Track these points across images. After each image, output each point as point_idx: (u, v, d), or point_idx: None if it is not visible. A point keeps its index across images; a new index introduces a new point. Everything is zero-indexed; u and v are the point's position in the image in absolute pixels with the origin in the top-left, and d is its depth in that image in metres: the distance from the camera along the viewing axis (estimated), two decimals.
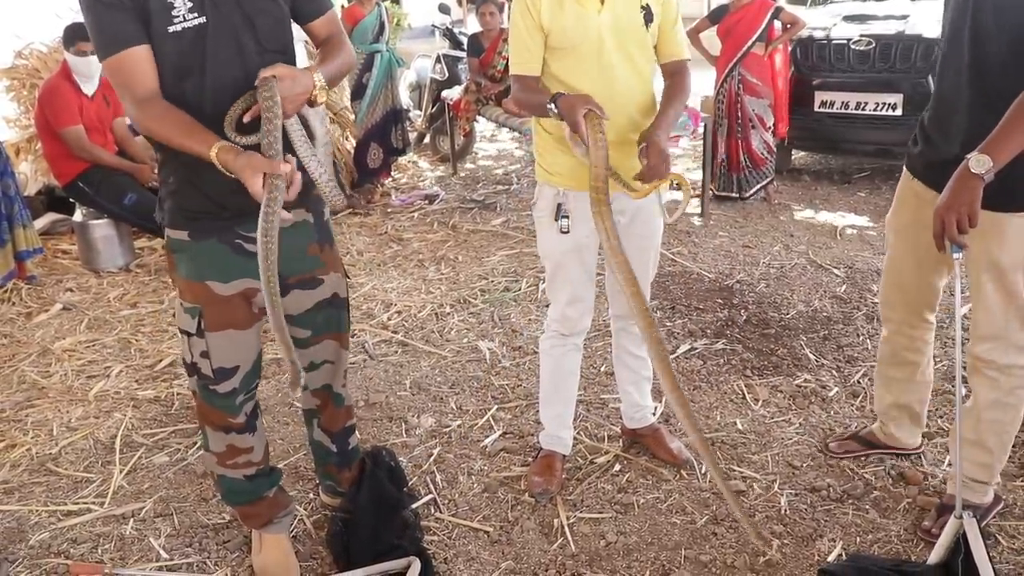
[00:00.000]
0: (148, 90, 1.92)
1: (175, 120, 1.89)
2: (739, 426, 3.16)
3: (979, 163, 2.02)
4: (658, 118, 2.43)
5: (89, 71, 5.03)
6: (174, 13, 1.91)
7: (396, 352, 3.91)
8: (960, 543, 2.16)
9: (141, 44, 1.90)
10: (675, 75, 2.56)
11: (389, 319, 4.27)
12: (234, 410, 2.30)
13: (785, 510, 2.67)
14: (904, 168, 2.58)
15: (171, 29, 1.92)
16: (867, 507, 2.67)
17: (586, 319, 2.77)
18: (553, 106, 2.33)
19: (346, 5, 6.58)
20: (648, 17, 2.47)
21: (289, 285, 2.25)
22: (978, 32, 2.20)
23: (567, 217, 2.53)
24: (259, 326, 2.28)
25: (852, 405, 3.28)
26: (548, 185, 2.60)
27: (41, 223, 5.92)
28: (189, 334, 2.19)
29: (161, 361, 3.91)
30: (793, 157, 7.11)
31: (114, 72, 1.93)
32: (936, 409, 3.17)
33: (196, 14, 1.94)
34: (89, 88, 5.08)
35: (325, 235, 2.34)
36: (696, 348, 3.80)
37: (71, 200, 5.47)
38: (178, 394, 3.59)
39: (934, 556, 2.22)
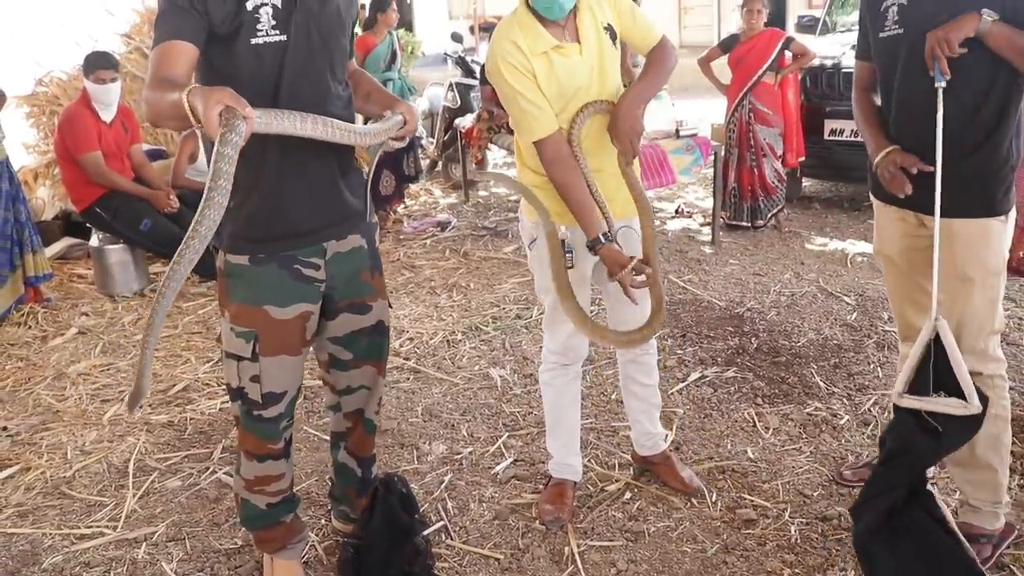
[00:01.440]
0: (171, 75, 1.94)
1: (167, 88, 1.89)
2: (750, 454, 3.16)
3: (989, 13, 2.17)
4: (625, 91, 2.45)
5: (108, 99, 5.11)
6: (258, 27, 2.02)
7: (408, 379, 3.93)
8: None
9: (190, 42, 1.97)
10: (653, 51, 2.57)
11: (401, 346, 4.30)
12: (276, 436, 2.33)
13: (796, 539, 2.67)
14: (873, 197, 2.64)
15: (253, 41, 2.02)
16: None
17: (585, 346, 2.81)
18: (600, 243, 2.44)
19: (359, 34, 6.66)
20: (612, 34, 2.51)
21: (339, 308, 2.32)
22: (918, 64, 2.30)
23: (571, 252, 2.55)
24: (306, 352, 2.33)
25: (863, 433, 3.28)
26: (543, 222, 2.60)
27: (57, 247, 6.01)
28: (240, 358, 2.21)
29: (175, 386, 3.94)
30: (803, 185, 7.13)
31: (156, 57, 1.98)
32: None
33: (279, 32, 2.04)
34: (108, 115, 5.16)
35: (376, 262, 2.40)
36: (707, 376, 3.81)
37: (88, 225, 5.53)
38: (191, 419, 3.62)
39: (911, 359, 2.31)
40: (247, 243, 2.14)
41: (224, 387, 3.84)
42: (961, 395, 2.21)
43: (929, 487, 2.34)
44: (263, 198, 2.11)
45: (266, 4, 2.03)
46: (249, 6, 2.01)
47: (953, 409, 2.22)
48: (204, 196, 1.75)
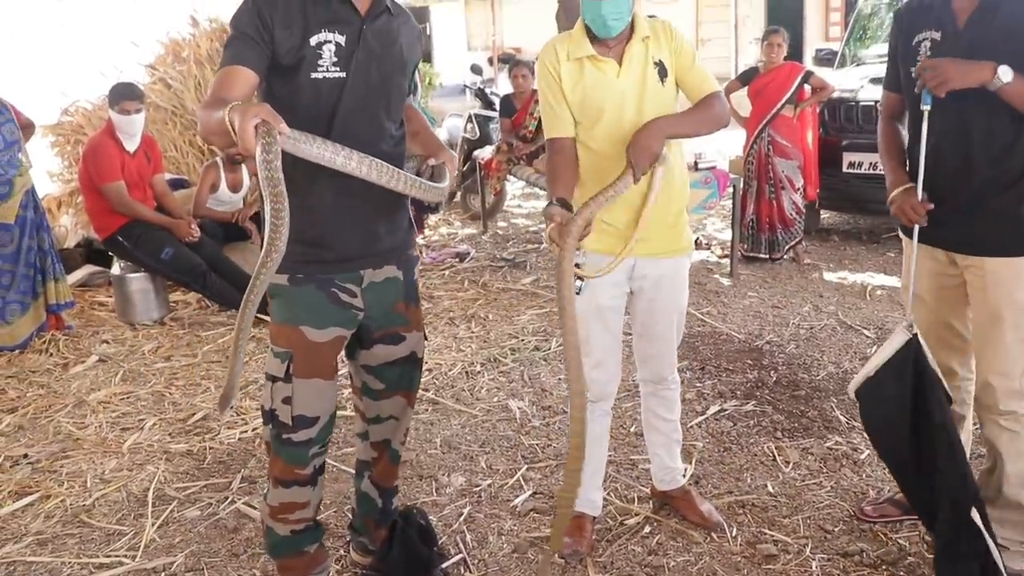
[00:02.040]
0: (227, 96, 2.00)
1: (219, 106, 1.94)
2: (770, 489, 3.14)
3: (1005, 72, 2.17)
4: (666, 114, 2.47)
5: (132, 129, 5.18)
6: (320, 63, 2.11)
7: (427, 410, 3.93)
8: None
9: (251, 69, 2.06)
10: (704, 98, 2.57)
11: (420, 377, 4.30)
12: (304, 460, 2.34)
13: (817, 575, 2.64)
14: (902, 234, 2.64)
15: (313, 76, 2.11)
16: (901, 573, 2.64)
17: (612, 384, 2.79)
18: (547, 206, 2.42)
19: None
20: (662, 72, 2.53)
21: (374, 339, 2.36)
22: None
23: (581, 279, 2.56)
24: (338, 379, 2.37)
25: (884, 468, 3.23)
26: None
27: (79, 275, 6.06)
28: (275, 379, 2.25)
29: (194, 415, 3.96)
30: (822, 217, 7.12)
31: (217, 79, 2.08)
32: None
33: (339, 69, 2.13)
34: (131, 145, 5.22)
35: (412, 294, 2.43)
36: (726, 409, 3.79)
37: (109, 253, 5.59)
38: (210, 448, 3.63)
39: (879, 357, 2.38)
40: (288, 263, 2.17)
41: (243, 417, 3.88)
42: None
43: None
44: (308, 222, 2.15)
45: (330, 41, 2.12)
46: (313, 42, 2.10)
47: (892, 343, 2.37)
48: (268, 208, 1.83)
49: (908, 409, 2.38)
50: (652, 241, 2.58)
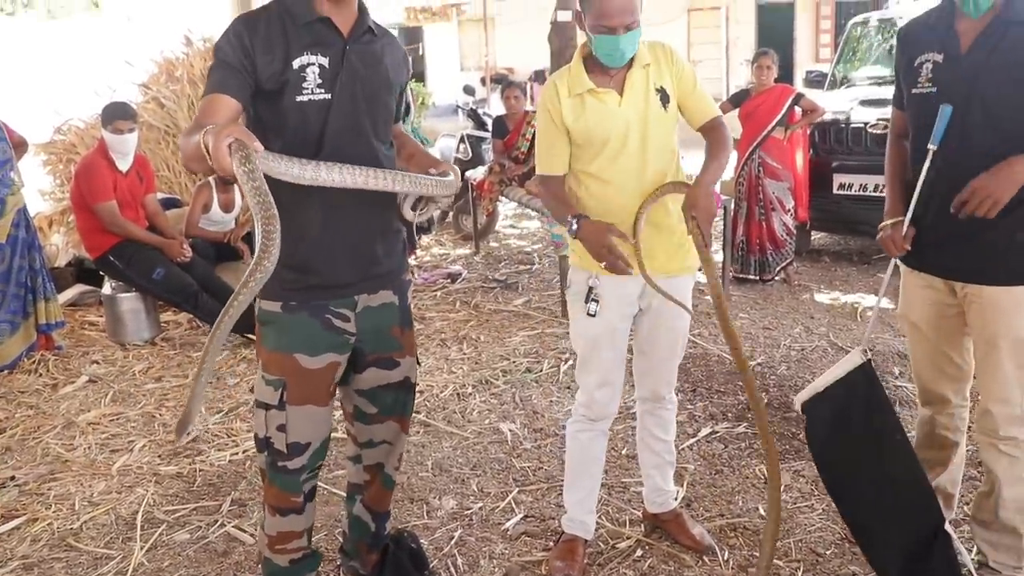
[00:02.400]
0: (208, 123, 1.97)
1: (192, 136, 1.94)
2: (762, 512, 3.13)
3: None
4: (700, 175, 2.48)
5: (125, 148, 5.17)
6: (304, 85, 2.11)
7: (418, 432, 3.92)
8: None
9: (233, 97, 2.06)
10: (711, 131, 2.61)
11: None
12: (297, 488, 2.32)
13: None
14: (900, 263, 2.63)
15: (298, 99, 2.10)
16: None
17: (613, 404, 2.79)
18: (575, 224, 2.44)
19: None
20: (664, 98, 2.54)
21: (368, 362, 2.34)
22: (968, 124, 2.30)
23: (596, 301, 2.57)
24: (332, 404, 2.35)
25: None
26: (581, 269, 2.65)
27: (69, 294, 6.04)
28: (268, 407, 2.23)
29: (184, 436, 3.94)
30: (812, 238, 7.16)
31: (200, 107, 2.09)
32: (962, 495, 3.13)
33: (324, 91, 2.13)
34: (124, 165, 5.22)
35: (406, 319, 2.42)
36: (717, 432, 3.79)
37: (100, 273, 5.57)
38: (200, 470, 3.60)
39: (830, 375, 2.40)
40: (280, 290, 2.18)
41: (234, 439, 3.86)
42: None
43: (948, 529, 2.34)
44: (300, 249, 2.14)
45: (313, 64, 2.12)
46: (296, 65, 2.10)
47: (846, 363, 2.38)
48: (259, 225, 1.79)
49: (859, 433, 2.41)
50: (660, 259, 2.60)
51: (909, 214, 2.42)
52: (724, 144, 2.56)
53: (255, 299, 2.21)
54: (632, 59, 2.50)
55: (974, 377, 2.56)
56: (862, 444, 2.43)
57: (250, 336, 5.09)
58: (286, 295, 2.19)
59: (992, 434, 2.42)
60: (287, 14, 2.14)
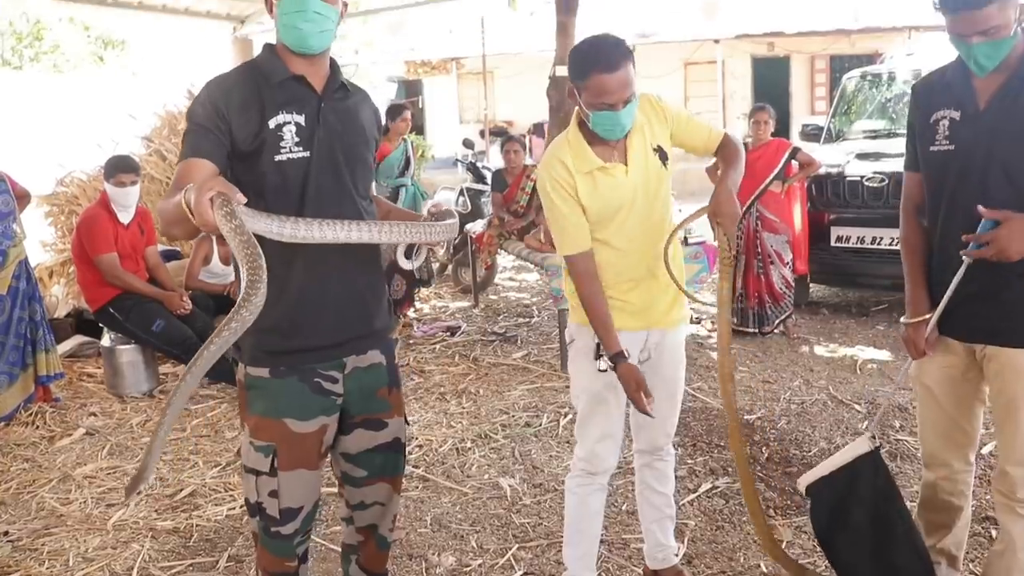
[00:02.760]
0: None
1: (170, 199, 1.96)
2: (763, 568, 3.10)
3: None
4: (719, 182, 2.50)
5: (127, 201, 5.22)
6: (282, 144, 2.10)
7: (417, 487, 3.89)
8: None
9: (209, 160, 2.05)
10: (722, 148, 2.63)
11: (410, 453, 4.26)
12: (291, 553, 2.29)
13: None
14: None
15: (276, 158, 2.10)
16: None
17: (613, 458, 2.78)
18: (613, 364, 2.51)
19: None
20: (663, 156, 2.57)
21: (355, 424, 2.31)
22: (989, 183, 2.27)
23: (604, 356, 2.57)
24: (323, 466, 2.32)
25: None
26: (583, 326, 2.65)
27: (68, 345, 6.03)
28: (259, 473, 2.20)
29: (181, 491, 3.90)
30: (811, 290, 7.17)
31: (177, 173, 2.08)
32: (968, 552, 3.10)
33: (302, 148, 2.12)
34: (126, 217, 5.25)
35: (394, 379, 2.40)
36: (718, 487, 3.76)
37: (100, 324, 5.58)
38: (197, 525, 3.57)
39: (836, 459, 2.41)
40: (268, 356, 2.16)
41: (231, 493, 3.83)
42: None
43: None
44: (286, 312, 2.14)
45: (289, 123, 2.12)
46: (272, 124, 2.10)
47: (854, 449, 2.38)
48: (245, 273, 1.77)
49: (863, 520, 2.40)
50: (657, 311, 2.63)
51: (935, 316, 2.35)
52: (736, 152, 2.59)
53: (241, 363, 2.21)
54: None
55: (983, 442, 2.54)
56: (866, 531, 2.41)
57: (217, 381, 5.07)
58: (273, 360, 2.17)
59: (1010, 495, 2.37)
60: (259, 74, 2.15)
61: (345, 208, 2.17)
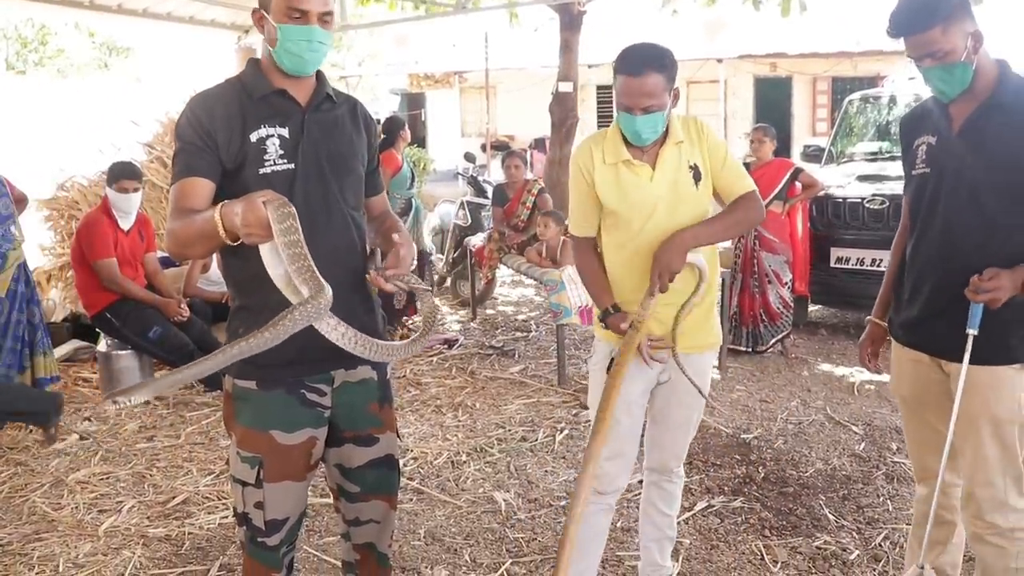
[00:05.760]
0: (193, 207, 2.04)
1: (191, 217, 1.98)
2: None
3: None
4: (693, 225, 2.51)
5: (128, 207, 5.22)
6: (265, 158, 2.11)
7: (411, 500, 3.87)
8: None
9: (204, 178, 2.07)
10: (737, 199, 2.60)
11: (405, 465, 4.24)
12: (277, 563, 2.27)
13: None
14: (892, 337, 2.65)
15: (261, 171, 2.10)
16: None
17: (622, 478, 2.77)
18: (602, 322, 2.58)
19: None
20: (697, 176, 2.56)
21: (345, 438, 2.29)
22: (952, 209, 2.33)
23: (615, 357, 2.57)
24: (311, 478, 2.30)
25: (874, 570, 3.20)
26: (604, 341, 2.68)
27: (65, 349, 6.02)
28: (245, 484, 2.19)
29: (174, 498, 3.88)
30: (810, 311, 7.17)
31: (175, 193, 2.08)
32: None
33: (286, 160, 2.13)
34: (126, 223, 5.26)
35: (385, 395, 2.38)
36: (714, 506, 3.75)
37: (97, 330, 5.56)
38: (189, 533, 3.55)
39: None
40: (255, 368, 2.14)
41: (224, 501, 3.81)
42: None
43: None
44: (265, 322, 2.09)
45: (272, 135, 2.13)
46: (254, 138, 2.11)
47: None
48: (299, 282, 1.85)
49: None
50: (688, 336, 2.62)
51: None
52: (735, 209, 2.57)
53: (228, 375, 2.20)
54: (666, 135, 2.54)
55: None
56: None
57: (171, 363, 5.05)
58: (260, 373, 2.16)
59: (977, 519, 2.38)
60: (242, 89, 2.16)
61: (333, 219, 2.17)
